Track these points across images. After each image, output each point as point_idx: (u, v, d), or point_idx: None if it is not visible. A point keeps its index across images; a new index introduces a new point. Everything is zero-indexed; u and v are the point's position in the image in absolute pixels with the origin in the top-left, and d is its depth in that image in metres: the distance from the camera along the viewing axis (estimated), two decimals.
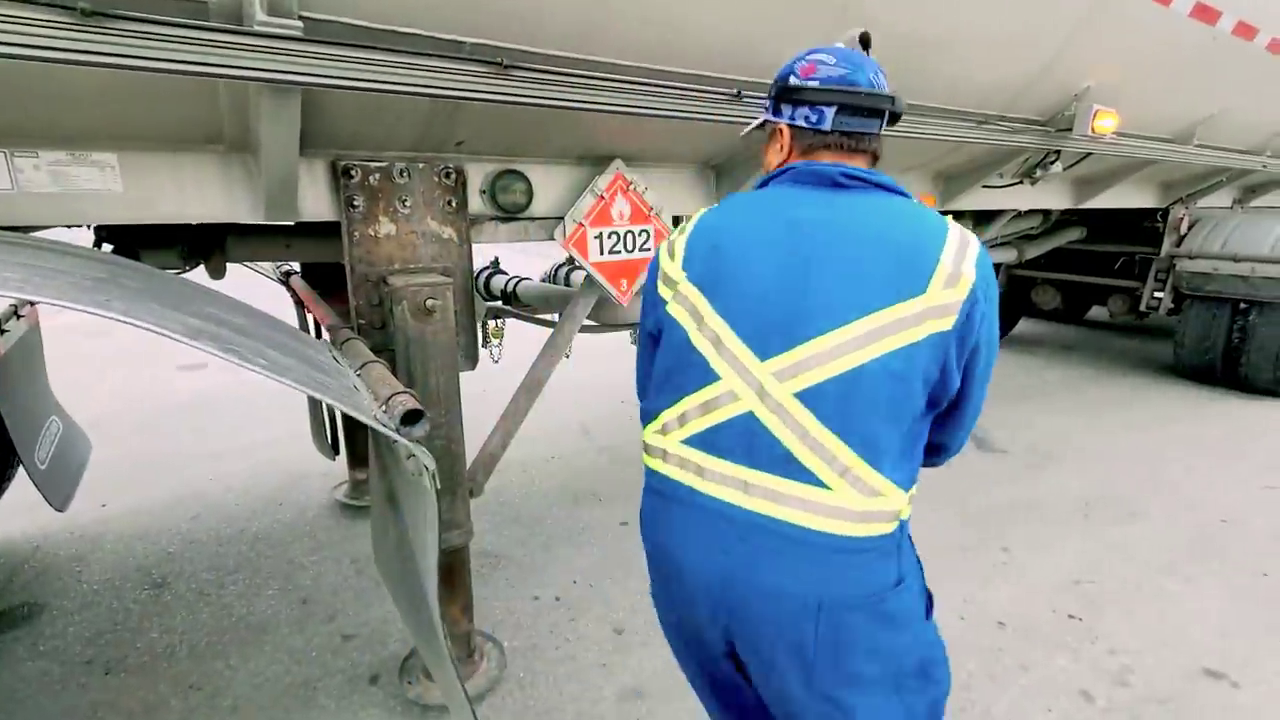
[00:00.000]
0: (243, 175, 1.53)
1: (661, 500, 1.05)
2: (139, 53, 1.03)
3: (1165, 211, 4.87)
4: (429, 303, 1.64)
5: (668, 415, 1.03)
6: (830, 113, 1.02)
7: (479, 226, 1.89)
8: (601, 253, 2.05)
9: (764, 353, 0.94)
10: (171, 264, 1.90)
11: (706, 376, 0.98)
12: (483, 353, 3.50)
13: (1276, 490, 3.31)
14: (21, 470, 2.32)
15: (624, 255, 2.09)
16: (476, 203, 1.87)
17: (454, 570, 1.88)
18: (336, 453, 3.25)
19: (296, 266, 2.91)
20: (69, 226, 1.57)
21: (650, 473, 1.08)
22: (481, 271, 3.68)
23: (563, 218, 1.97)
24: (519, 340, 3.56)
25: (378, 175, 1.68)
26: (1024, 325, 6.98)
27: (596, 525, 2.96)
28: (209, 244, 2.00)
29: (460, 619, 1.92)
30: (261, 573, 2.60)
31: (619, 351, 4.39)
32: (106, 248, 1.82)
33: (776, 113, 1.08)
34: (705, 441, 0.98)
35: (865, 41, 1.40)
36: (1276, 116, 3.83)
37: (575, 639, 2.20)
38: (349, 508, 3.08)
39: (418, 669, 1.98)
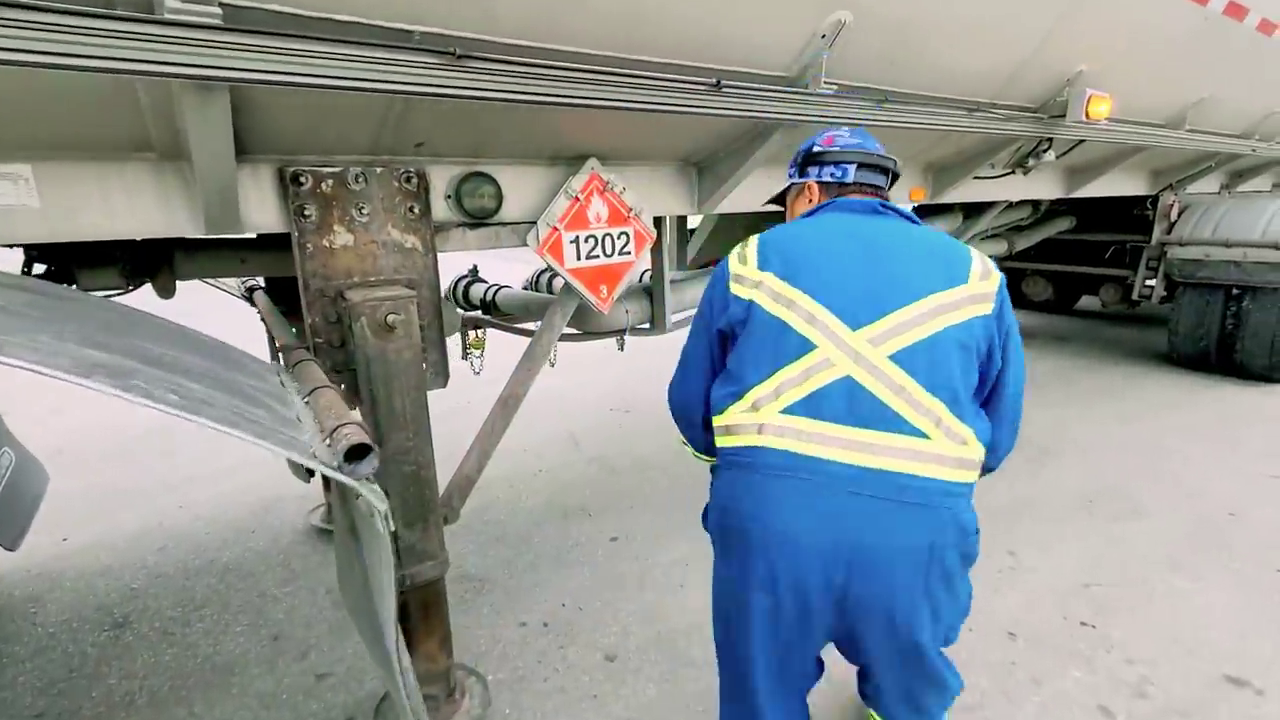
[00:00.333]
0: (179, 185, 1.39)
1: (757, 475, 1.11)
2: (28, 46, 0.90)
3: (1155, 199, 4.81)
4: (390, 318, 1.51)
5: (760, 390, 1.12)
6: (852, 169, 1.33)
7: (445, 234, 1.76)
8: (579, 258, 1.93)
9: (855, 323, 1.11)
10: (112, 284, 1.76)
11: (803, 347, 1.11)
12: (463, 364, 3.39)
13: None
14: None
15: (602, 260, 1.97)
16: (442, 208, 1.74)
17: (429, 604, 1.75)
18: (311, 475, 3.09)
19: (263, 281, 2.76)
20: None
21: (736, 451, 1.14)
22: (460, 280, 3.55)
23: (536, 222, 1.85)
24: (505, 349, 3.42)
25: (331, 181, 1.55)
26: (1015, 317, 6.93)
27: (586, 542, 2.83)
28: (154, 261, 1.86)
29: (438, 655, 1.79)
30: (230, 607, 2.45)
31: (608, 358, 4.28)
32: (39, 268, 1.68)
33: (804, 174, 1.39)
34: (807, 407, 1.09)
35: None
36: (1266, 99, 3.78)
37: (564, 668, 2.07)
38: (326, 533, 2.93)
39: (396, 709, 1.84)
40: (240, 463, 3.70)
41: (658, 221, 2.21)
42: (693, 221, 4.06)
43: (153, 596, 2.53)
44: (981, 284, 1.16)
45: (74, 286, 1.73)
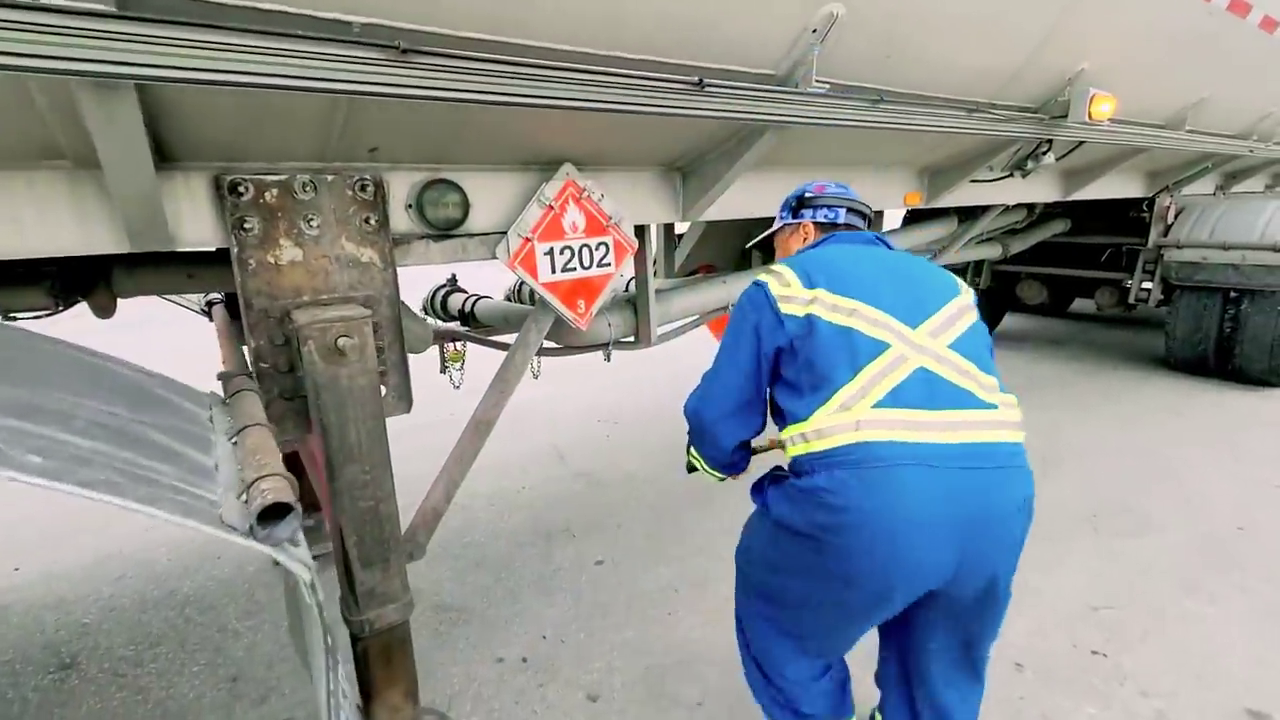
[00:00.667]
0: (98, 196, 1.25)
1: (870, 469, 1.15)
2: None
3: (1151, 201, 4.73)
4: (341, 341, 1.37)
5: (846, 392, 1.20)
6: (843, 212, 1.56)
7: (406, 247, 1.62)
8: (553, 270, 1.79)
9: (913, 322, 1.26)
10: (39, 305, 1.61)
11: (877, 347, 1.22)
12: (442, 378, 3.25)
13: None
14: None
15: (580, 272, 1.83)
16: (402, 219, 1.60)
17: (392, 650, 1.60)
18: None
19: (223, 295, 2.61)
20: None
21: (832, 452, 1.19)
22: (438, 289, 3.41)
23: (506, 233, 1.71)
24: (489, 361, 3.27)
25: (275, 191, 1.40)
26: (1009, 321, 6.86)
27: (569, 566, 2.69)
28: (89, 277, 1.70)
29: (403, 705, 1.64)
30: (188, 644, 2.29)
31: (594, 368, 4.14)
32: None
33: (798, 215, 1.59)
34: (894, 399, 1.18)
35: None
36: (1264, 99, 3.70)
37: (543, 709, 1.93)
38: None
39: None
40: None
41: (640, 230, 2.08)
42: (680, 227, 3.93)
43: (105, 633, 2.36)
44: (966, 294, 1.37)
45: None
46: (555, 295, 1.80)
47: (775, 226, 1.67)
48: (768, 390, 1.36)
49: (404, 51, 1.06)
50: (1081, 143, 2.79)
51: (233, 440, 1.06)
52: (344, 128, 1.33)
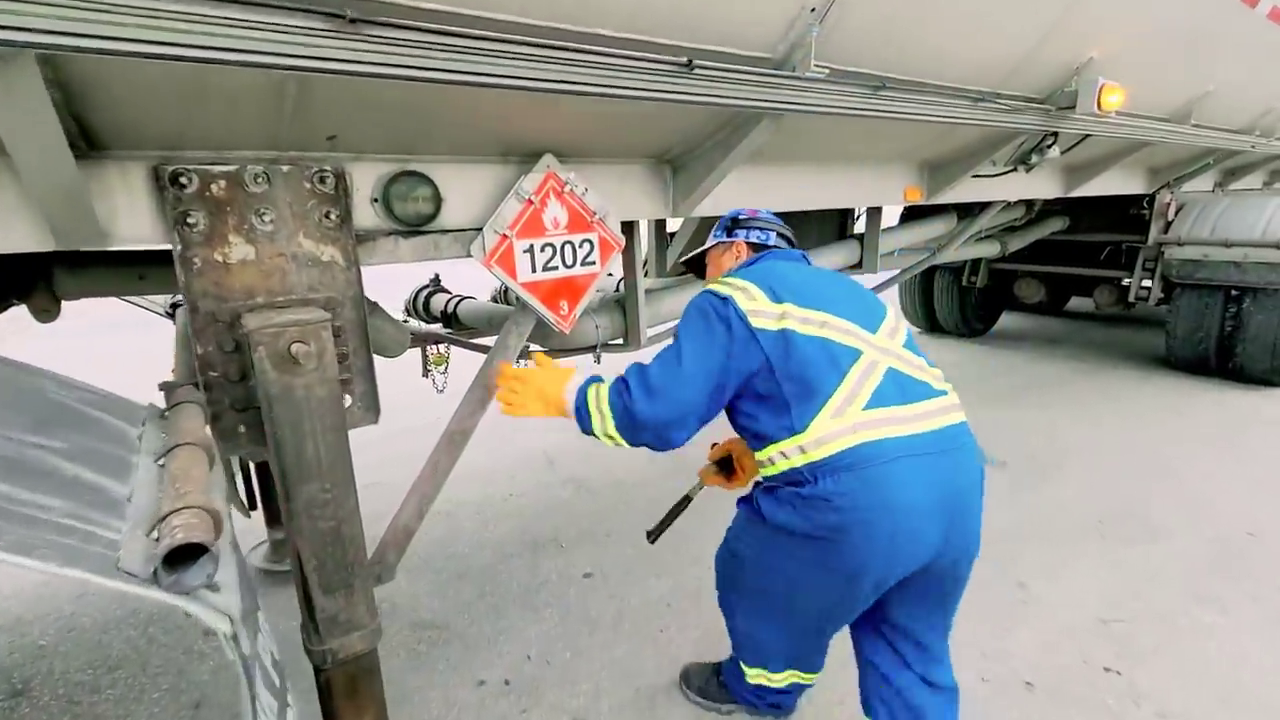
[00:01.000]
0: (16, 187, 1.12)
1: (870, 468, 1.24)
2: None
3: (1151, 198, 4.64)
4: (295, 348, 1.24)
5: (837, 397, 1.27)
6: (773, 234, 1.69)
7: (372, 244, 1.49)
8: (534, 269, 1.67)
9: (872, 328, 1.38)
10: None
11: (853, 354, 1.31)
12: (424, 381, 3.12)
13: None
14: None
15: (562, 271, 1.71)
16: (367, 214, 1.48)
17: (358, 681, 1.48)
18: (253, 508, 2.80)
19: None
20: None
21: (833, 457, 1.25)
22: (421, 290, 3.28)
23: (481, 229, 1.59)
24: (474, 363, 3.15)
25: (223, 183, 1.28)
26: (1007, 319, 6.78)
27: (557, 579, 2.57)
28: (27, 278, 1.57)
29: None
30: (150, 667, 2.15)
31: (585, 368, 4.02)
32: None
33: (732, 234, 1.70)
34: (876, 400, 1.28)
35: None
36: (1268, 93, 3.61)
37: None
38: (268, 574, 2.65)
39: None
40: None
41: (628, 227, 1.96)
42: (672, 224, 3.81)
43: (61, 655, 2.22)
44: (892, 309, 1.48)
45: None
46: (535, 296, 1.68)
47: (709, 244, 1.77)
48: (727, 407, 1.40)
49: (352, 21, 0.94)
50: (1087, 136, 2.69)
51: (159, 462, 0.94)
52: (295, 112, 1.20)
